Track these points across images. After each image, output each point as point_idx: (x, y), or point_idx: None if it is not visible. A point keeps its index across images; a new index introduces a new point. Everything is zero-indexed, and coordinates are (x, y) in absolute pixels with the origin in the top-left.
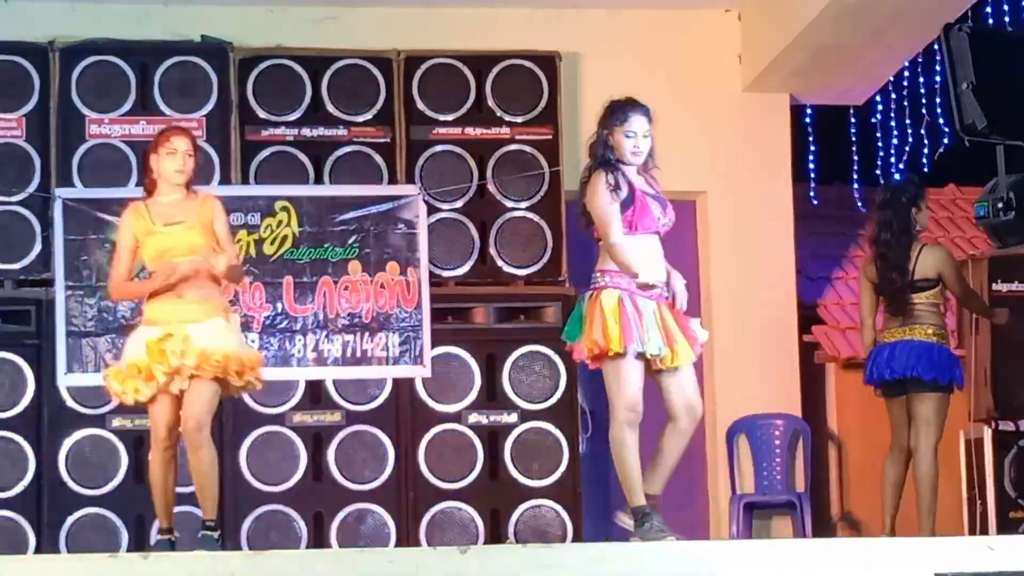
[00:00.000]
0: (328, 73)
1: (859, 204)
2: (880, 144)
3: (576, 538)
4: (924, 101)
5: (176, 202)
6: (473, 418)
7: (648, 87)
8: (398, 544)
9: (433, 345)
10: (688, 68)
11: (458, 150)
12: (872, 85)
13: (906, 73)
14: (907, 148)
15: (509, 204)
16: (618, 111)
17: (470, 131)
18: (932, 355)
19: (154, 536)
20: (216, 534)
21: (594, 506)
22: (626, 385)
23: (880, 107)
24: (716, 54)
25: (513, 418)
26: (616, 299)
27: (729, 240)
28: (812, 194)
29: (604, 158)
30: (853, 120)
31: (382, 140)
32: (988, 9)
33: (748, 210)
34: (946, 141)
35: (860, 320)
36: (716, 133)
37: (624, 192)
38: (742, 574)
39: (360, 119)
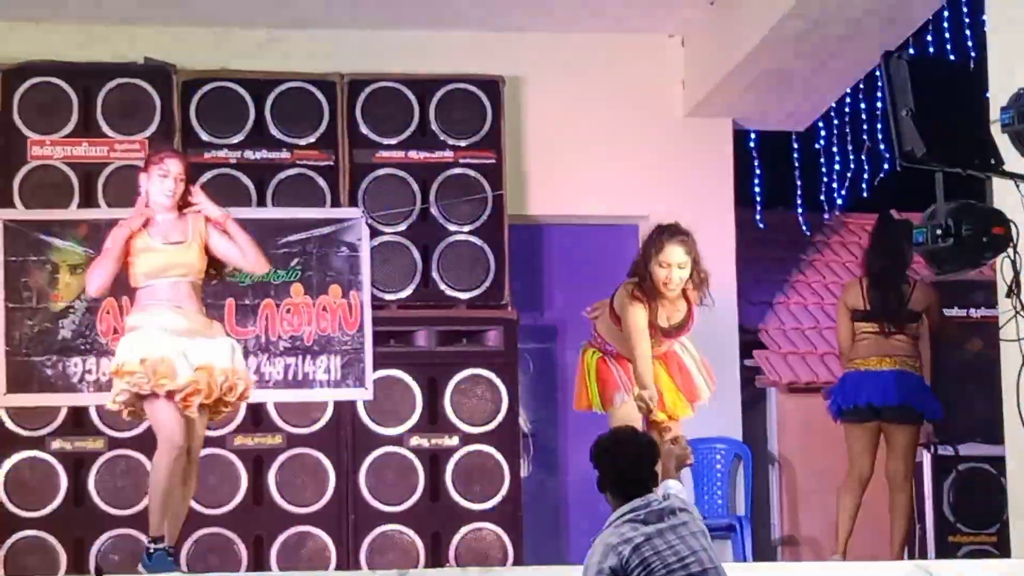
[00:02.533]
0: (271, 96)
1: (804, 228)
2: (823, 169)
3: (517, 561)
4: (866, 127)
5: (171, 221)
6: (415, 441)
7: (591, 111)
8: (338, 567)
9: (375, 368)
10: (631, 93)
11: (401, 173)
12: (815, 111)
13: (848, 99)
14: (848, 174)
15: (452, 228)
16: (656, 238)
17: (413, 154)
18: (923, 389)
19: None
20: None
21: (535, 529)
22: (617, 424)
23: (823, 132)
24: (659, 79)
25: (455, 441)
26: (596, 359)
27: None
28: (758, 217)
29: (643, 282)
30: (796, 146)
31: (325, 163)
32: (929, 37)
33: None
34: (886, 167)
35: (839, 349)
36: (659, 158)
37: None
38: None
39: (303, 142)
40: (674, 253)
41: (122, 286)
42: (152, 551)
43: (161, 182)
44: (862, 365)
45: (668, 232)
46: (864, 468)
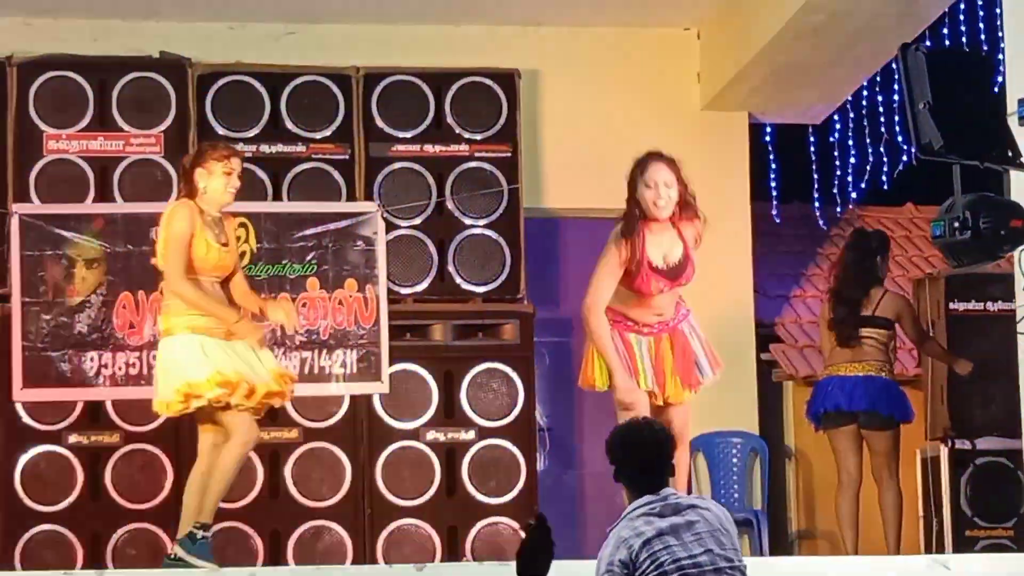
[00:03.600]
0: (287, 89)
1: (820, 223)
2: (839, 163)
3: None
4: (883, 120)
5: (217, 220)
6: (431, 435)
7: (607, 105)
8: (355, 561)
9: (391, 362)
10: (647, 86)
11: (417, 167)
12: (831, 104)
13: (864, 92)
14: (867, 167)
15: (468, 221)
16: (639, 163)
17: (429, 148)
18: (890, 392)
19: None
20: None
21: (551, 523)
22: (623, 414)
23: (839, 126)
24: (675, 72)
25: (471, 435)
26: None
27: None
28: (775, 212)
29: (630, 217)
30: (812, 139)
31: (341, 157)
32: (946, 29)
33: (706, 228)
34: (904, 159)
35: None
36: (675, 151)
37: (634, 261)
38: None
39: (319, 136)
40: (659, 172)
41: (138, 280)
42: (200, 537)
43: (227, 179)
44: (833, 371)
45: (651, 156)
46: (852, 469)
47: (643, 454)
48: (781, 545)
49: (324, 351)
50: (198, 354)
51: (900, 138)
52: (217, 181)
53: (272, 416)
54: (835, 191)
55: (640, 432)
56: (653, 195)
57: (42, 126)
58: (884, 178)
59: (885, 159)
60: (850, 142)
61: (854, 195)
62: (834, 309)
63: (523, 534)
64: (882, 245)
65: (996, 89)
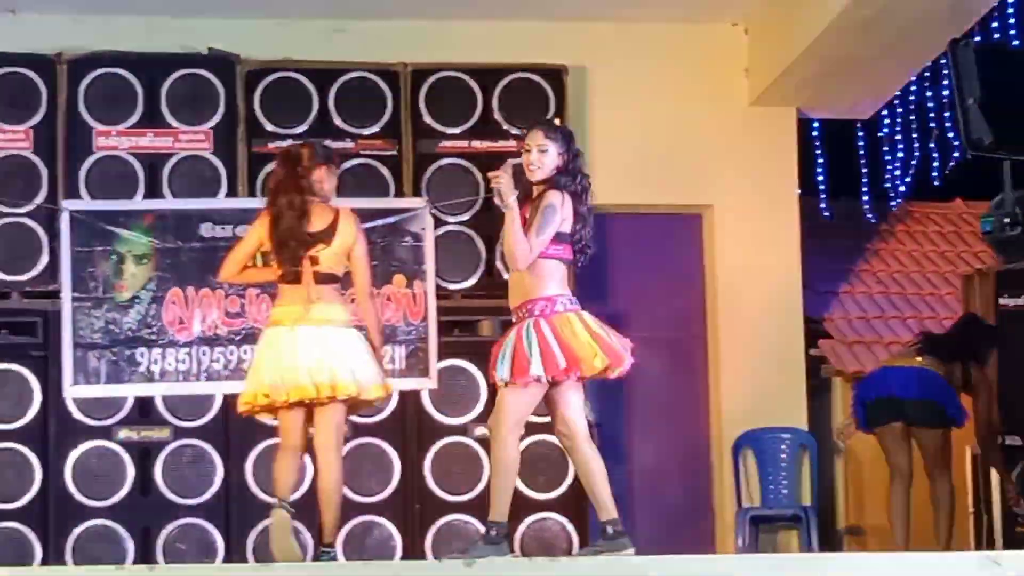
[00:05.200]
0: (335, 86)
1: (870, 217)
2: (888, 158)
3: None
4: (932, 115)
5: None
6: (479, 431)
7: (655, 101)
8: (404, 557)
9: (440, 358)
10: (695, 82)
11: (464, 163)
12: (879, 99)
13: (913, 87)
14: (913, 163)
15: None
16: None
17: (476, 144)
18: (946, 389)
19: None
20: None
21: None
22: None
23: (887, 121)
24: (723, 68)
25: None
26: None
27: (736, 254)
28: (823, 207)
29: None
30: (861, 134)
31: (389, 153)
32: (995, 24)
33: (755, 224)
34: (956, 155)
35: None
36: (723, 147)
37: None
38: None
39: (367, 132)
40: (535, 136)
41: (187, 275)
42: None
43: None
44: (890, 363)
45: (535, 122)
46: (902, 464)
47: None
48: (830, 541)
49: None
50: None
51: (951, 134)
52: (334, 180)
53: None
54: (884, 187)
55: None
56: (526, 158)
57: (92, 123)
58: (934, 174)
59: (935, 155)
60: (898, 137)
61: (903, 190)
62: (926, 334)
63: (572, 530)
64: (990, 343)
65: None
